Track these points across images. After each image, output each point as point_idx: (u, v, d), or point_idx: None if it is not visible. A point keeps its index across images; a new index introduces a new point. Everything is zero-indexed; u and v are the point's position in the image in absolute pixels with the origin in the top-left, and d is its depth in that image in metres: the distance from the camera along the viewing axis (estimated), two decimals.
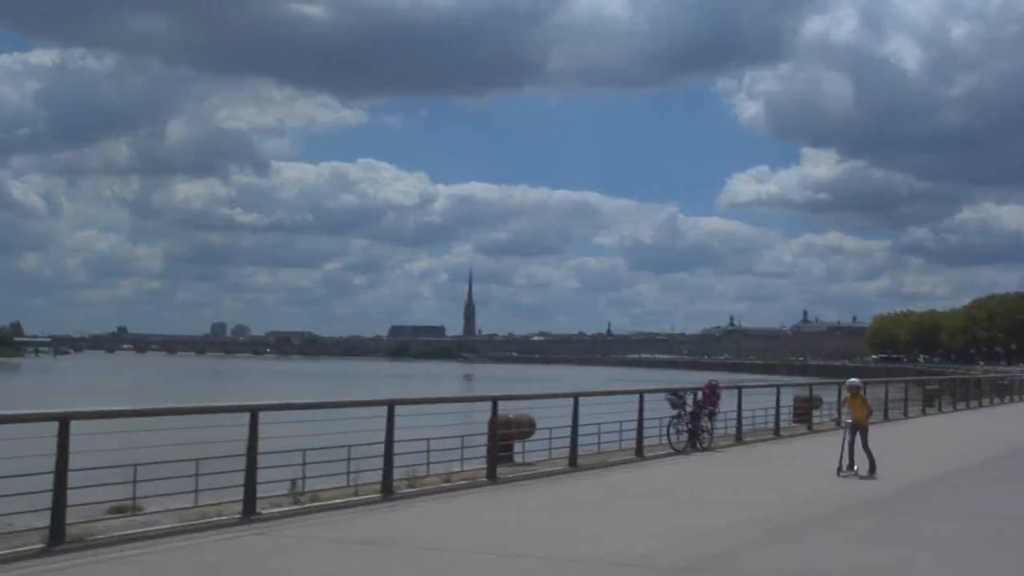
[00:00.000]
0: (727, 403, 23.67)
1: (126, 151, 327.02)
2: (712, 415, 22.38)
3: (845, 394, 18.75)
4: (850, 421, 18.04)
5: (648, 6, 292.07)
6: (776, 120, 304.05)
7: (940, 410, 39.49)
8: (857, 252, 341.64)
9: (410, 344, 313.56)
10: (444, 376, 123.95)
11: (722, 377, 31.24)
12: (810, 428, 28.35)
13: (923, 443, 25.70)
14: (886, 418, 33.50)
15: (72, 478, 10.32)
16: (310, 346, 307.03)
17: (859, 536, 11.78)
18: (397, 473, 14.33)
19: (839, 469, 17.27)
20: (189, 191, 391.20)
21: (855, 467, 17.32)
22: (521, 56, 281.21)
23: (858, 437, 17.80)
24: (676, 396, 21.87)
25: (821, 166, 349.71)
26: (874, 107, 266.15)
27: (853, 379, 18.94)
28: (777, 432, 26.07)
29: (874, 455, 17.46)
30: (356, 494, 13.68)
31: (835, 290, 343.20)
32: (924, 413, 37.86)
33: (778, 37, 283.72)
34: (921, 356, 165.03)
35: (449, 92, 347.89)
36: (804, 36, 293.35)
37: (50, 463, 10.20)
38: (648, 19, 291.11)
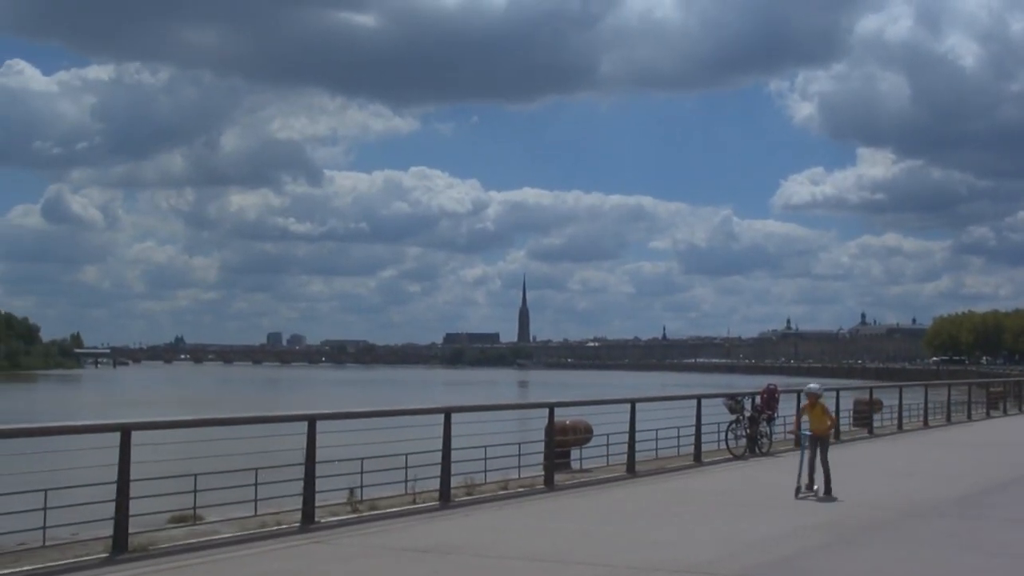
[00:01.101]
0: (786, 407, 23.41)
1: (181, 163, 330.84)
2: (771, 419, 22.15)
3: (803, 402, 16.41)
4: (809, 433, 15.57)
5: (699, 7, 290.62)
6: (831, 120, 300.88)
7: (1005, 412, 38.85)
8: (916, 253, 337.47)
9: (465, 351, 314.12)
10: (499, 383, 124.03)
11: (779, 381, 30.95)
12: (871, 432, 27.99)
13: (990, 445, 25.24)
14: (949, 421, 33.05)
15: (133, 488, 10.41)
16: (365, 354, 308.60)
17: (926, 542, 11.58)
18: (454, 481, 14.31)
19: (797, 490, 14.86)
20: (243, 202, 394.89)
21: (815, 486, 14.99)
22: (572, 61, 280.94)
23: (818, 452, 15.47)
24: (734, 401, 21.67)
25: (877, 166, 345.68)
26: (931, 105, 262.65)
27: (812, 384, 16.74)
28: (837, 436, 25.68)
29: (831, 472, 15.15)
30: (414, 502, 13.68)
31: (894, 292, 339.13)
32: (988, 416, 37.25)
33: (832, 36, 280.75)
34: (983, 358, 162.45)
35: (500, 99, 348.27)
36: (858, 35, 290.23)
37: (112, 473, 10.29)
38: (699, 21, 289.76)
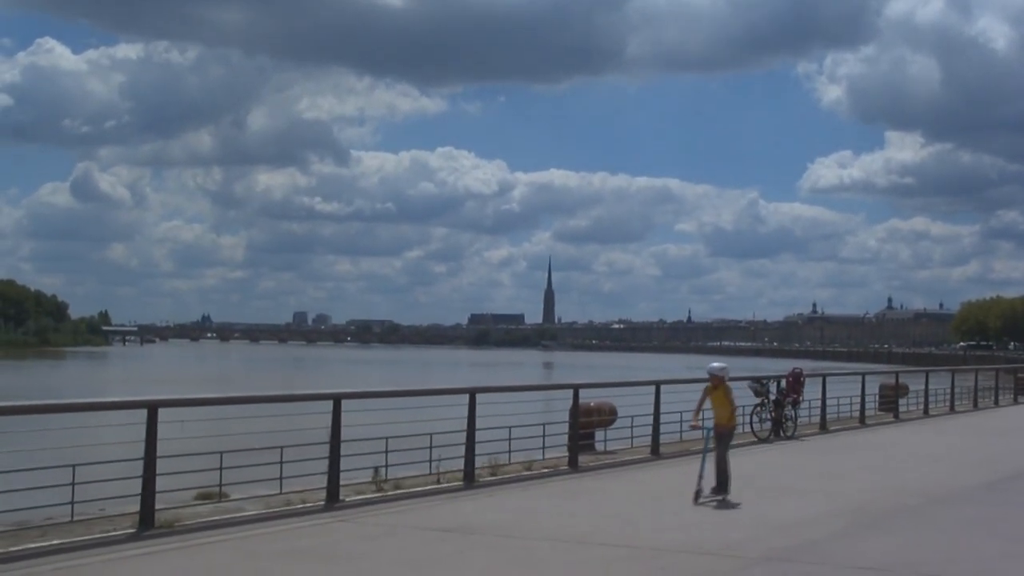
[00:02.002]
0: (811, 391, 23.34)
1: (209, 142, 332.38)
2: (796, 403, 22.11)
3: (708, 385, 13.51)
4: (710, 426, 13.24)
5: None
6: (859, 103, 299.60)
7: None
8: (944, 237, 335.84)
9: (490, 332, 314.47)
10: (524, 364, 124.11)
11: (805, 365, 30.83)
12: (896, 417, 27.87)
13: (1017, 431, 25.11)
14: (975, 407, 32.87)
15: (160, 464, 10.48)
16: (391, 334, 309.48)
17: (952, 527, 11.52)
18: (479, 461, 14.33)
19: (697, 493, 12.57)
20: (270, 181, 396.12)
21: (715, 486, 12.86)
22: (600, 43, 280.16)
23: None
24: (759, 384, 21.63)
25: (906, 150, 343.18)
26: (961, 88, 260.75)
27: (716, 363, 13.63)
28: (863, 421, 25.66)
29: (729, 470, 13.00)
30: (438, 482, 13.71)
31: (921, 276, 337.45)
32: (1016, 402, 37.03)
33: (861, 19, 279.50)
34: (1011, 343, 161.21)
35: (527, 79, 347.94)
36: (888, 17, 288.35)
37: (139, 450, 10.35)
38: (728, 2, 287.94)
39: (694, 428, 13.68)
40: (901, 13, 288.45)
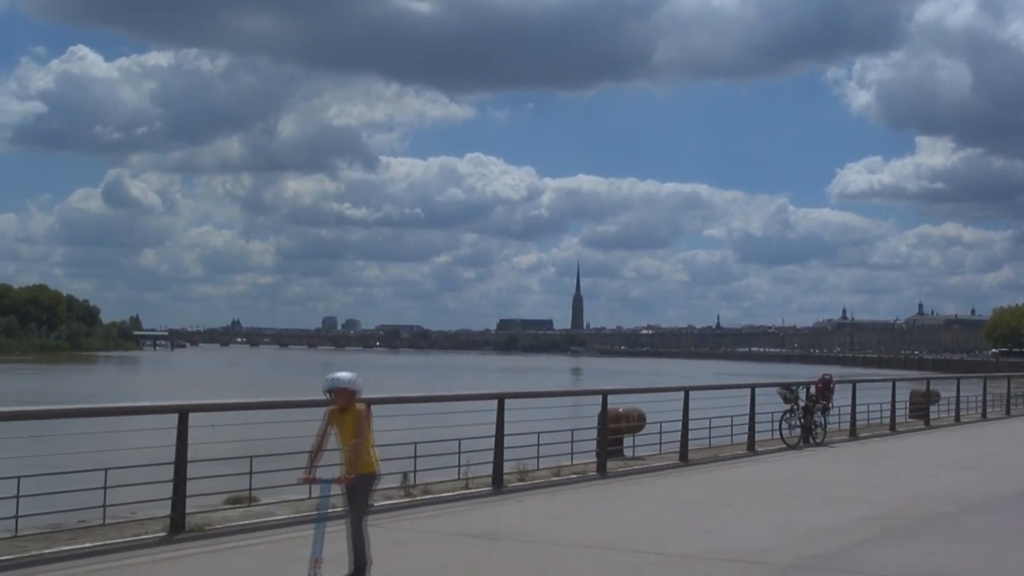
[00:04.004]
0: (841, 398, 23.22)
1: (238, 148, 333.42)
2: (826, 410, 22.00)
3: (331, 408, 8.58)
4: (329, 478, 8.38)
5: None
6: (889, 109, 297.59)
7: None
8: (976, 243, 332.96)
9: (518, 337, 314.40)
10: (553, 369, 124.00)
11: (835, 371, 30.61)
12: (927, 424, 27.68)
13: None
14: (1008, 414, 32.59)
15: (190, 469, 10.54)
16: (419, 340, 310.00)
17: (984, 536, 11.42)
18: (507, 466, 14.34)
19: (316, 563, 8.11)
20: (299, 187, 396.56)
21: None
22: (628, 49, 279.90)
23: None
24: (789, 390, 21.54)
25: (936, 155, 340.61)
26: (993, 93, 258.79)
27: (341, 373, 8.57)
28: (893, 428, 25.51)
29: (365, 542, 8.54)
30: (467, 487, 13.73)
31: (953, 282, 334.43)
32: None
33: (891, 24, 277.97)
34: None
35: (556, 86, 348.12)
36: (918, 22, 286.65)
37: (170, 454, 10.43)
38: (757, 7, 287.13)
39: (306, 481, 8.61)
40: (932, 18, 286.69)
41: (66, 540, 9.67)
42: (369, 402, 12.39)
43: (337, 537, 8.52)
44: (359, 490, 8.55)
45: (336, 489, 8.45)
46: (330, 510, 8.36)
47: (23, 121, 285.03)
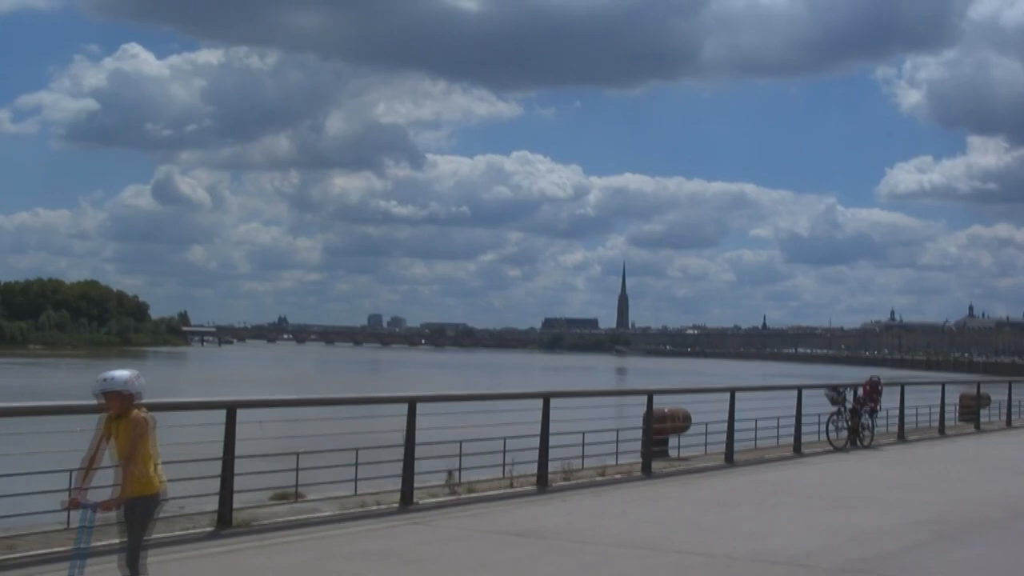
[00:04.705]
0: (889, 400, 23.00)
1: (286, 146, 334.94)
2: (873, 412, 21.81)
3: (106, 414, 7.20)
4: (95, 501, 7.01)
5: None
6: (940, 108, 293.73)
7: None
8: None
9: (563, 336, 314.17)
10: (598, 369, 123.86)
11: (883, 373, 30.33)
12: (977, 427, 27.35)
13: None
14: None
15: (238, 464, 10.64)
16: (465, 338, 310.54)
17: None
18: (552, 466, 14.35)
19: None
20: (346, 184, 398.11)
21: None
22: (675, 47, 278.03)
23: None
24: (836, 392, 21.38)
25: (989, 155, 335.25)
26: None
27: (117, 372, 7.17)
28: (942, 431, 25.22)
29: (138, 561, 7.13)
30: (511, 486, 13.75)
31: (1005, 284, 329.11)
32: None
33: (943, 21, 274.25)
34: None
35: (603, 84, 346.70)
36: (971, 19, 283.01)
37: (218, 449, 10.53)
38: (806, 5, 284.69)
39: (71, 506, 7.23)
40: (986, 15, 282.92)
41: (115, 533, 9.78)
42: (415, 400, 12.47)
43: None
44: (136, 516, 7.10)
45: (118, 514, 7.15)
46: (93, 543, 7.21)
47: (76, 118, 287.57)
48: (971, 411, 28.45)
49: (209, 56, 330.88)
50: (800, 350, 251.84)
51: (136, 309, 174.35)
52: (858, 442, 21.09)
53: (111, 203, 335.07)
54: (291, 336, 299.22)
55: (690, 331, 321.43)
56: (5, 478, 9.76)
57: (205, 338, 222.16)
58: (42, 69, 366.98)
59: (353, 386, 58.87)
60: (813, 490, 14.90)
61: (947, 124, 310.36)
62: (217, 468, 10.52)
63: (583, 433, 15.52)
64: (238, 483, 10.66)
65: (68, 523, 9.66)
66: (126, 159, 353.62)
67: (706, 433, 18.32)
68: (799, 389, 20.35)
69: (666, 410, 18.41)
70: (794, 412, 19.78)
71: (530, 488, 13.77)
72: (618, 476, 15.37)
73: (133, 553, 7.14)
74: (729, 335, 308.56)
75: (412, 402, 12.48)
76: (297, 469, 11.65)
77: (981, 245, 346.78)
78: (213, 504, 10.53)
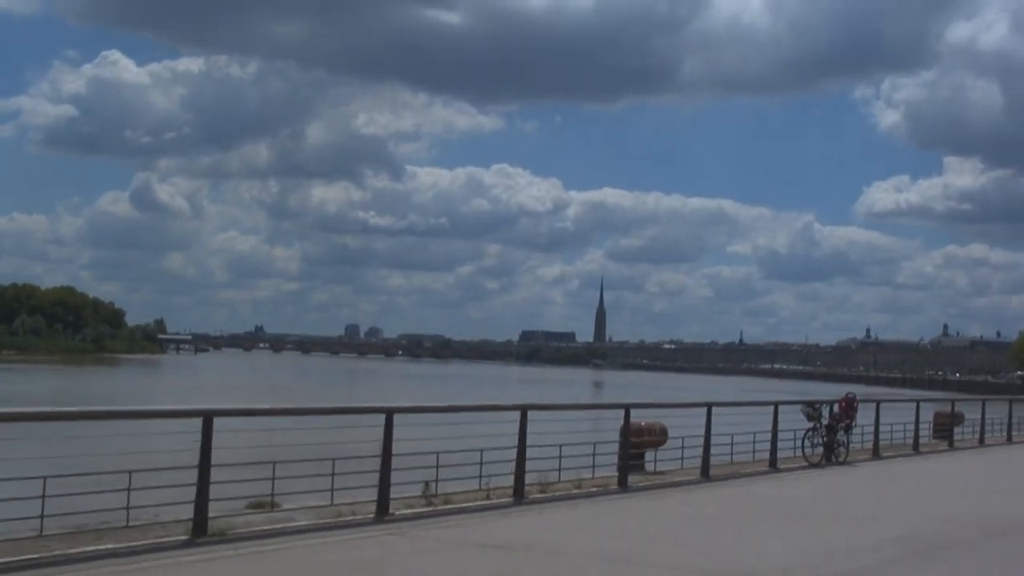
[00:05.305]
0: (864, 417, 23.10)
1: (266, 155, 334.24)
2: (849, 428, 21.90)
3: None
4: None
5: (788, 12, 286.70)
6: (917, 128, 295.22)
7: None
8: (1003, 264, 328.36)
9: (541, 349, 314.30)
10: (575, 382, 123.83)
11: (858, 390, 30.52)
12: (951, 445, 27.50)
13: None
14: None
15: (213, 473, 10.59)
16: (442, 349, 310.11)
17: (1007, 560, 11.36)
18: (529, 478, 14.34)
19: None
20: (325, 194, 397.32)
21: None
22: (656, 64, 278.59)
23: None
24: (812, 408, 21.45)
25: (965, 176, 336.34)
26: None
27: None
28: (916, 448, 25.35)
29: None
30: (488, 498, 13.73)
31: (979, 304, 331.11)
32: None
33: (921, 43, 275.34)
34: None
35: (584, 98, 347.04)
36: (949, 42, 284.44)
37: (194, 458, 10.48)
38: (787, 25, 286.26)
39: None
40: (963, 38, 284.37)
41: (90, 541, 9.73)
42: (392, 411, 12.45)
43: None
44: None
45: None
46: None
47: (55, 124, 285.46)
48: (945, 429, 28.60)
49: (189, 64, 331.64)
50: (776, 366, 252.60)
51: (112, 316, 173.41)
52: (833, 458, 21.16)
53: (89, 209, 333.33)
54: (268, 345, 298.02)
55: (667, 346, 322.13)
56: None
57: (181, 346, 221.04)
58: (21, 74, 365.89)
59: (331, 396, 58.72)
60: (788, 505, 14.95)
61: (924, 145, 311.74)
62: (192, 476, 10.46)
63: (560, 446, 15.52)
64: (214, 491, 10.59)
65: (41, 531, 9.63)
66: (105, 166, 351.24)
67: (683, 447, 18.34)
68: (775, 405, 20.41)
69: (643, 424, 18.43)
70: (770, 428, 19.84)
71: (506, 500, 13.76)
72: (594, 489, 15.38)
73: None
74: (706, 350, 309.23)
75: (390, 413, 12.47)
76: (273, 478, 11.60)
77: (956, 265, 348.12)
78: (188, 512, 10.46)
